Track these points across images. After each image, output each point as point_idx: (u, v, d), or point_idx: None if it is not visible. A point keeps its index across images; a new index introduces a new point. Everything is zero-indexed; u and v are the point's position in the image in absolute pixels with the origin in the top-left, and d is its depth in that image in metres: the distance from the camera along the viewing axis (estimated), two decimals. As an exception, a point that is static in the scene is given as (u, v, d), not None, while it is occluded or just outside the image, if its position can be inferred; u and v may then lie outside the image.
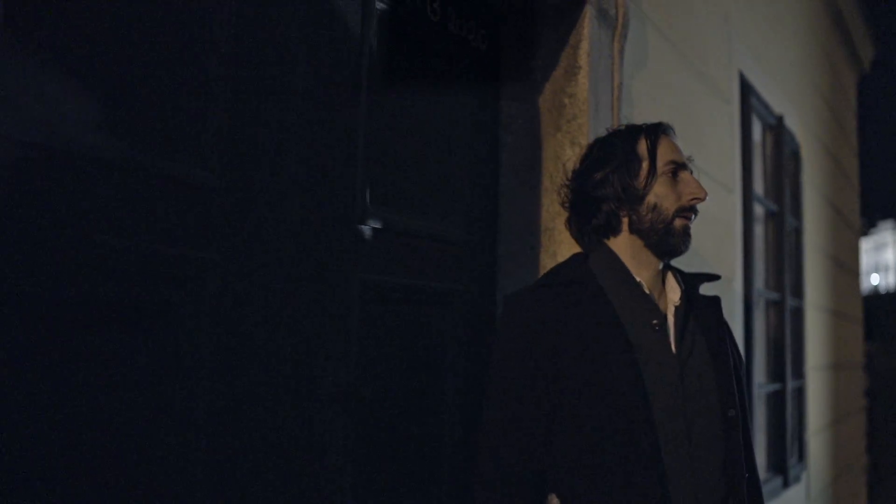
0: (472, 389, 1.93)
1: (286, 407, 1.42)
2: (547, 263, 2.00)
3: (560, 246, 1.99)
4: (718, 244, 3.07)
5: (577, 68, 2.04)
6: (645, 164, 1.64)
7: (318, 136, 1.52)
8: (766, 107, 3.85)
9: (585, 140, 1.98)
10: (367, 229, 1.63)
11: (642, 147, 1.65)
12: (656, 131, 1.68)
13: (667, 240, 1.63)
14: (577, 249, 1.92)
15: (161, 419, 1.24)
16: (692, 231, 1.67)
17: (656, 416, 1.53)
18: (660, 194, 1.63)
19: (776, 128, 4.07)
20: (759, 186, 3.92)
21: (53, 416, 1.09)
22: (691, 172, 1.69)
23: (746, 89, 3.51)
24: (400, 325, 1.77)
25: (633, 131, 1.70)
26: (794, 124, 4.43)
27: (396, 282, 1.73)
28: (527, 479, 1.57)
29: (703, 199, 1.64)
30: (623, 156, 1.65)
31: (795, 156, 4.49)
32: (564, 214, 1.98)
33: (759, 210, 3.92)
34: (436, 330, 1.89)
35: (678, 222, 1.63)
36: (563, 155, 2.02)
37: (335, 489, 1.52)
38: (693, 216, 1.66)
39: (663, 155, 1.65)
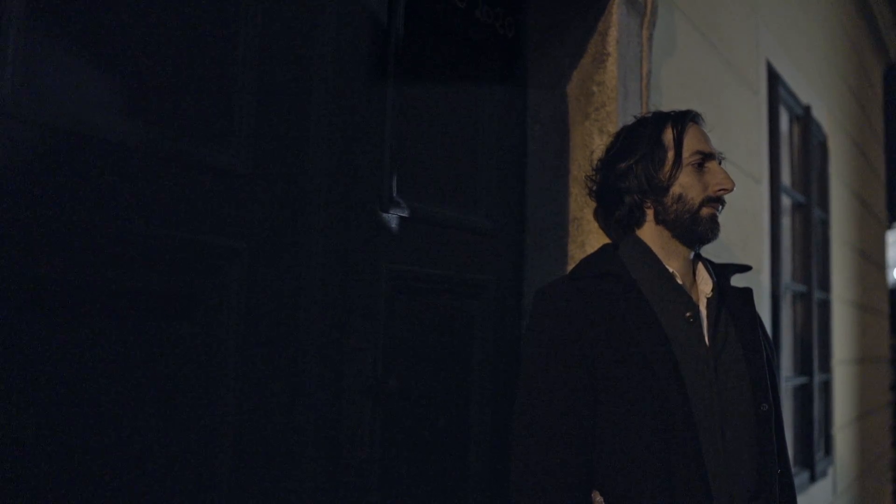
0: (500, 381, 1.90)
1: (312, 399, 1.41)
2: (575, 254, 1.97)
3: (588, 236, 1.96)
4: (746, 235, 3.03)
5: (605, 55, 2.01)
6: (670, 154, 1.60)
7: (344, 124, 1.50)
8: (794, 97, 3.80)
9: (614, 128, 1.95)
10: (393, 218, 1.61)
11: (668, 136, 1.62)
12: (683, 120, 1.64)
13: (693, 228, 1.60)
14: (605, 240, 1.89)
15: (185, 410, 1.22)
16: (722, 221, 1.64)
17: (695, 412, 1.50)
18: (685, 185, 1.59)
19: (803, 118, 4.01)
20: (786, 177, 3.87)
21: (74, 406, 1.08)
22: (719, 162, 1.65)
23: (774, 79, 3.45)
24: (427, 316, 1.75)
25: (660, 119, 1.66)
26: (821, 115, 4.37)
27: (423, 272, 1.71)
28: (571, 486, 1.48)
29: (730, 190, 1.60)
30: (648, 145, 1.62)
31: (822, 147, 4.43)
32: (593, 204, 1.95)
33: (786, 202, 3.86)
34: (463, 321, 1.87)
35: (705, 211, 1.60)
36: (591, 143, 1.99)
37: (362, 481, 1.51)
38: (720, 206, 1.63)
39: (690, 145, 1.61)
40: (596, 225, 1.95)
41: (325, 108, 1.46)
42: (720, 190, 1.60)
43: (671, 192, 1.60)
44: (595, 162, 1.78)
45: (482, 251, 1.91)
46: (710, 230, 1.62)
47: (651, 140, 1.63)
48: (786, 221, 3.89)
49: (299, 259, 1.40)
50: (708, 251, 2.52)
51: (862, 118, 5.88)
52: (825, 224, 4.47)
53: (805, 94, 3.99)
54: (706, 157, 1.62)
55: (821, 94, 4.41)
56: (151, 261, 1.17)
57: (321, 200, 1.44)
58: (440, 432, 1.77)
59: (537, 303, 1.60)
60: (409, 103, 1.72)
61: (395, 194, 1.62)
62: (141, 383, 1.16)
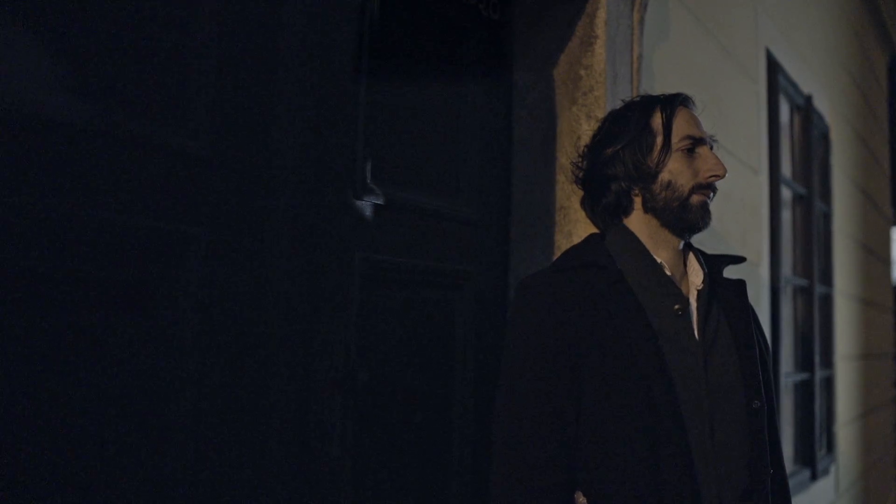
0: (484, 377, 1.83)
1: (278, 394, 1.34)
2: (562, 244, 1.90)
3: (576, 225, 1.89)
4: (744, 227, 2.95)
5: (593, 38, 1.93)
6: (659, 139, 1.54)
7: (314, 105, 1.43)
8: (795, 86, 3.71)
9: (602, 113, 1.87)
10: (367, 206, 1.54)
11: (657, 121, 1.55)
12: (673, 103, 1.57)
13: (683, 216, 1.54)
14: (593, 229, 1.82)
15: (139, 408, 1.15)
16: (716, 213, 1.57)
17: (683, 410, 1.43)
18: (674, 171, 1.53)
19: (804, 108, 3.92)
20: (786, 169, 3.79)
21: (15, 403, 1.01)
22: (711, 147, 1.58)
23: (774, 67, 3.37)
24: (405, 308, 1.67)
25: (649, 103, 1.59)
26: (823, 105, 4.28)
27: (401, 262, 1.64)
28: (553, 489, 1.41)
29: (721, 177, 1.53)
30: (636, 130, 1.55)
31: (824, 138, 4.35)
32: (580, 192, 1.88)
33: (786, 194, 3.78)
34: (445, 313, 1.79)
35: (695, 198, 1.53)
36: (578, 129, 1.91)
37: (334, 480, 1.44)
38: (712, 194, 1.56)
39: (679, 129, 1.54)
40: (584, 214, 1.88)
41: (292, 88, 1.39)
42: (711, 176, 1.53)
43: (660, 179, 1.53)
44: (580, 148, 1.71)
45: (464, 241, 1.84)
46: (700, 218, 1.55)
47: (639, 124, 1.56)
48: (786, 214, 3.81)
49: (264, 247, 1.33)
50: (704, 244, 2.45)
51: (866, 110, 5.79)
52: (827, 217, 4.39)
53: (806, 84, 3.90)
54: (696, 141, 1.55)
55: (823, 84, 4.33)
56: (102, 248, 1.10)
57: (287, 186, 1.37)
58: (420, 429, 1.70)
59: (519, 295, 1.54)
60: (386, 86, 1.65)
61: (369, 181, 1.55)
62: (89, 379, 1.09)
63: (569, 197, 1.91)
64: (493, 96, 1.97)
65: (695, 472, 1.41)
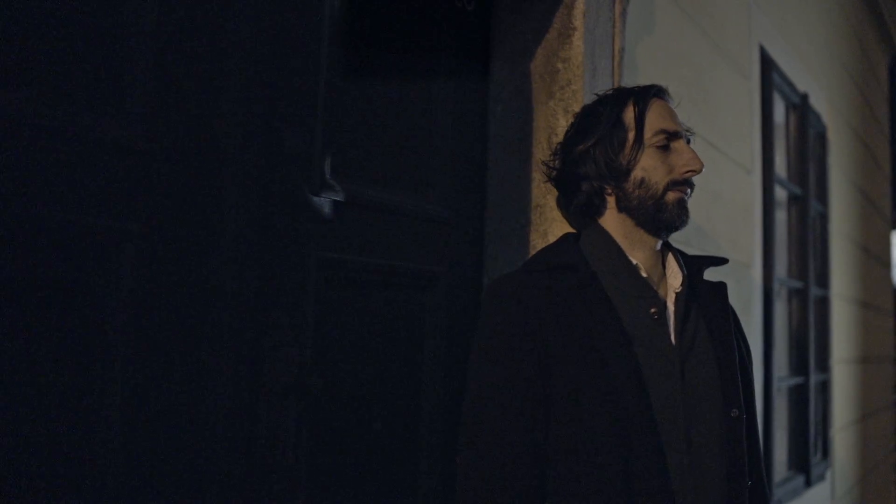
0: (455, 383, 1.75)
1: (223, 400, 1.26)
2: (537, 243, 1.82)
3: (552, 225, 1.82)
4: (735, 227, 2.87)
5: (571, 30, 1.86)
6: (631, 135, 1.47)
7: (264, 96, 1.35)
8: (790, 84, 3.63)
9: (580, 108, 1.80)
10: (325, 202, 1.47)
11: (629, 115, 1.48)
12: (646, 95, 1.50)
13: (658, 215, 1.47)
14: (570, 228, 1.75)
15: (65, 413, 1.08)
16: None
17: (658, 418, 1.36)
18: (648, 168, 1.46)
19: (800, 106, 3.84)
20: (781, 169, 3.71)
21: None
22: (688, 141, 1.51)
23: (768, 64, 3.29)
24: (370, 310, 1.60)
25: (621, 97, 1.52)
26: (821, 105, 4.20)
27: (363, 261, 1.57)
28: (521, 499, 1.34)
29: (698, 171, 1.47)
30: (607, 126, 1.48)
31: (821, 138, 4.26)
32: (555, 190, 1.81)
33: (781, 194, 3.70)
34: (412, 316, 1.72)
35: (670, 196, 1.46)
36: (555, 125, 1.84)
37: (286, 491, 1.36)
38: (689, 190, 1.49)
39: (653, 123, 1.47)
40: (560, 213, 1.81)
41: (239, 76, 1.31)
42: (687, 172, 1.46)
43: (633, 177, 1.47)
44: (553, 145, 1.64)
45: (434, 240, 1.76)
46: (676, 216, 1.48)
47: (610, 119, 1.49)
48: (781, 215, 3.73)
49: (208, 245, 1.25)
50: (691, 243, 2.37)
51: (866, 111, 5.71)
52: (824, 218, 4.31)
53: (802, 82, 3.82)
54: (671, 136, 1.48)
55: (820, 82, 4.25)
56: (23, 245, 1.03)
57: (234, 180, 1.29)
58: (386, 438, 1.62)
59: (487, 297, 1.47)
60: (350, 77, 1.58)
61: (328, 176, 1.48)
62: (11, 381, 1.01)
63: (545, 195, 1.83)
64: (467, 90, 1.90)
65: (670, 484, 1.35)
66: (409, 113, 1.75)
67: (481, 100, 1.94)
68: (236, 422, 1.28)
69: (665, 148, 1.47)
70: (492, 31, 1.97)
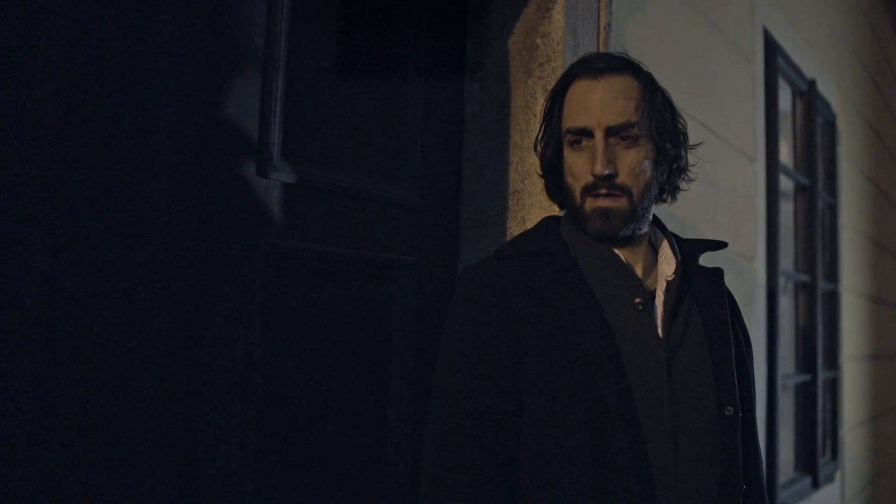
0: (426, 383, 1.63)
1: (153, 398, 1.15)
2: (515, 231, 1.70)
3: (530, 210, 1.69)
4: (736, 218, 2.74)
5: (552, 3, 1.73)
6: (552, 133, 1.32)
7: (201, 66, 1.24)
8: (796, 70, 3.49)
9: (560, 86, 1.67)
10: (275, 185, 1.35)
11: (556, 108, 1.31)
12: (564, 81, 1.31)
13: (583, 226, 1.30)
14: (548, 214, 1.63)
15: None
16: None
17: (641, 418, 1.23)
18: (567, 172, 1.29)
19: (807, 93, 3.70)
20: (788, 158, 3.57)
21: None
22: (616, 133, 1.26)
23: (772, 48, 3.15)
24: (328, 303, 1.48)
25: (561, 78, 1.33)
26: (830, 92, 4.05)
27: (319, 250, 1.45)
28: None
29: (599, 175, 1.24)
30: (545, 115, 1.34)
31: (831, 126, 4.11)
32: (534, 175, 1.69)
33: (787, 184, 3.56)
34: (378, 309, 1.60)
35: (588, 204, 1.27)
36: (534, 104, 1.72)
37: (229, 496, 1.25)
38: (609, 191, 1.25)
39: (566, 118, 1.28)
40: (539, 198, 1.68)
41: (170, 42, 1.19)
42: (593, 175, 1.25)
43: (564, 180, 1.31)
44: (532, 126, 1.51)
45: (403, 228, 1.65)
46: (598, 228, 1.28)
47: (550, 106, 1.33)
48: (787, 206, 3.59)
49: (134, 228, 1.14)
50: (687, 234, 2.25)
51: (879, 101, 5.54)
52: (833, 209, 4.16)
53: (810, 68, 3.68)
54: (580, 133, 1.27)
55: (829, 69, 4.10)
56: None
57: (165, 158, 1.18)
58: (346, 441, 1.51)
59: (458, 287, 1.33)
60: (308, 51, 1.46)
61: (277, 156, 1.36)
62: None
63: (523, 179, 1.71)
64: (441, 68, 1.78)
65: (653, 493, 1.22)
66: (376, 92, 1.63)
67: (456, 79, 1.82)
68: (170, 425, 1.17)
69: (580, 147, 1.28)
70: (468, 5, 1.84)
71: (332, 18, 1.52)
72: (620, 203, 1.26)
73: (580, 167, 1.26)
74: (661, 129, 1.31)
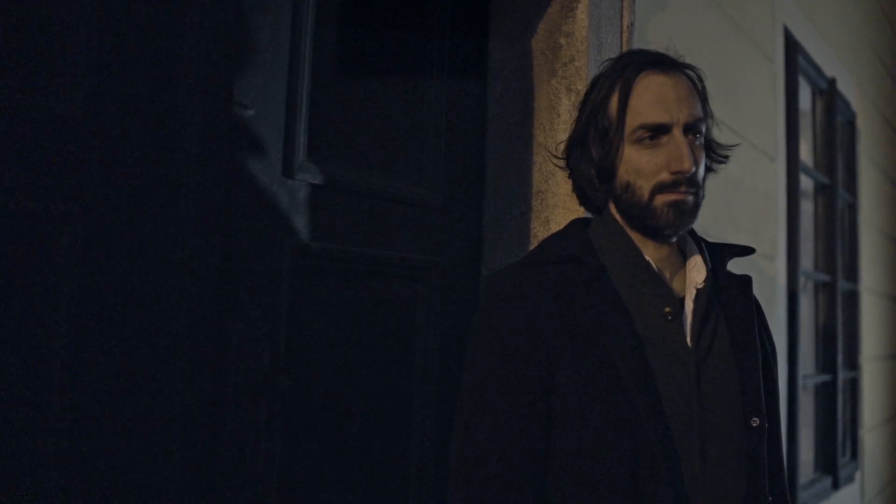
0: (450, 382, 1.63)
1: (179, 401, 1.15)
2: (538, 231, 1.70)
3: (553, 211, 1.69)
4: (757, 217, 2.73)
5: (575, 2, 1.72)
6: (612, 129, 1.25)
7: (228, 65, 1.24)
8: (816, 68, 3.47)
9: (584, 86, 1.67)
10: (301, 186, 1.35)
11: (614, 102, 1.26)
12: (633, 73, 1.25)
13: (647, 223, 1.26)
14: (573, 215, 1.62)
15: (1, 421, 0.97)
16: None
17: (671, 428, 1.21)
18: (631, 169, 1.24)
19: (828, 92, 3.68)
20: (807, 157, 3.55)
21: None
22: (696, 127, 1.25)
23: (793, 46, 3.13)
24: (353, 303, 1.48)
25: (619, 69, 1.28)
26: (850, 90, 4.02)
27: (348, 251, 1.45)
28: None
29: (686, 172, 1.22)
30: (591, 111, 1.28)
31: (850, 125, 4.09)
32: (559, 175, 1.68)
33: (807, 183, 3.54)
34: (402, 309, 1.60)
35: (659, 200, 1.24)
36: (558, 104, 1.71)
37: (254, 500, 1.25)
38: (688, 188, 1.24)
39: (635, 115, 1.23)
40: (562, 198, 1.68)
41: (200, 39, 1.19)
42: (675, 173, 1.22)
43: (618, 179, 1.26)
44: (556, 126, 1.49)
45: (427, 228, 1.64)
46: (671, 223, 1.25)
47: (595, 103, 1.28)
48: (807, 206, 3.57)
49: (161, 228, 1.14)
50: (708, 234, 2.23)
51: (898, 99, 5.50)
52: (853, 209, 4.13)
53: (830, 67, 3.65)
54: (656, 130, 1.23)
55: (849, 68, 4.07)
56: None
57: (191, 159, 1.18)
58: (369, 443, 1.50)
59: (485, 293, 1.30)
60: (335, 52, 1.46)
61: (304, 157, 1.36)
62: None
63: (546, 180, 1.71)
64: (465, 68, 1.78)
65: (687, 500, 1.21)
66: (399, 92, 1.63)
67: (480, 79, 1.82)
68: (196, 426, 1.17)
69: (652, 144, 1.24)
70: (490, 4, 1.84)
71: (355, 19, 1.52)
72: (692, 199, 1.25)
73: (652, 164, 1.23)
74: (710, 129, 1.31)
